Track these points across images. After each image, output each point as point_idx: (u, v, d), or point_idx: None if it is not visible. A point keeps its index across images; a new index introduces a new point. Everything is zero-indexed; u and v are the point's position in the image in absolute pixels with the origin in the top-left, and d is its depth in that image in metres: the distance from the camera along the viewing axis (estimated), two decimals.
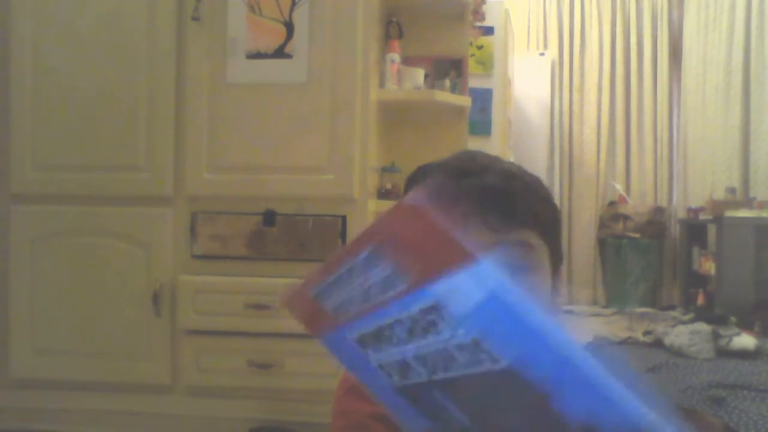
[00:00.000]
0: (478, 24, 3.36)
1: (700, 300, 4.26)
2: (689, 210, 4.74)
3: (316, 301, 0.36)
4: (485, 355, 0.28)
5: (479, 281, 0.28)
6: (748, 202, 4.22)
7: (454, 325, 0.29)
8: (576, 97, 5.32)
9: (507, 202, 0.58)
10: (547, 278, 0.61)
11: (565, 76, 5.32)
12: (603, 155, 5.26)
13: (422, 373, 0.32)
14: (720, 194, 4.41)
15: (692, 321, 3.09)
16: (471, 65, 2.98)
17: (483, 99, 3.46)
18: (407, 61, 2.39)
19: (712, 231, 4.30)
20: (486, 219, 0.57)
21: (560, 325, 0.27)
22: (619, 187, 5.13)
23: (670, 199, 5.21)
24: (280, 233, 2.01)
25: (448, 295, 0.28)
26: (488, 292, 0.27)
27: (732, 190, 4.37)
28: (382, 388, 0.37)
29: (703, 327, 2.79)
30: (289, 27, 2.01)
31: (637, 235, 4.82)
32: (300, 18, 2.01)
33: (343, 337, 0.36)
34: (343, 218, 1.98)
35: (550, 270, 0.62)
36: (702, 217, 4.45)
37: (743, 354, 2.65)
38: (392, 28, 2.38)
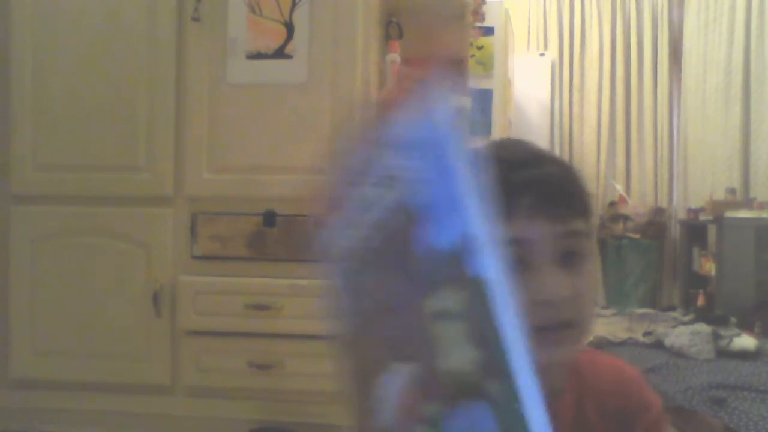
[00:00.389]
0: (478, 24, 3.35)
1: (701, 301, 4.25)
2: (689, 210, 4.74)
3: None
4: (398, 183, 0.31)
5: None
6: (748, 203, 4.22)
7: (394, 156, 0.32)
8: (576, 97, 5.32)
9: (568, 192, 0.61)
10: (593, 262, 0.64)
11: (565, 76, 5.32)
12: (603, 155, 5.26)
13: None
14: (720, 195, 4.41)
15: (692, 322, 3.09)
16: (471, 66, 2.98)
17: (483, 99, 3.46)
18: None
19: (712, 231, 4.30)
20: (547, 210, 0.58)
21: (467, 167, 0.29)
22: (619, 187, 5.13)
23: (670, 200, 5.21)
24: (281, 234, 2.00)
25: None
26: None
27: (732, 191, 4.37)
28: None
29: (704, 328, 2.79)
30: (290, 27, 2.01)
31: (638, 236, 4.82)
32: (300, 18, 2.01)
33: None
34: None
35: None
36: (702, 217, 4.45)
37: (743, 355, 2.65)
38: (392, 29, 2.38)
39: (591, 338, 3.12)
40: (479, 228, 0.28)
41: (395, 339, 0.32)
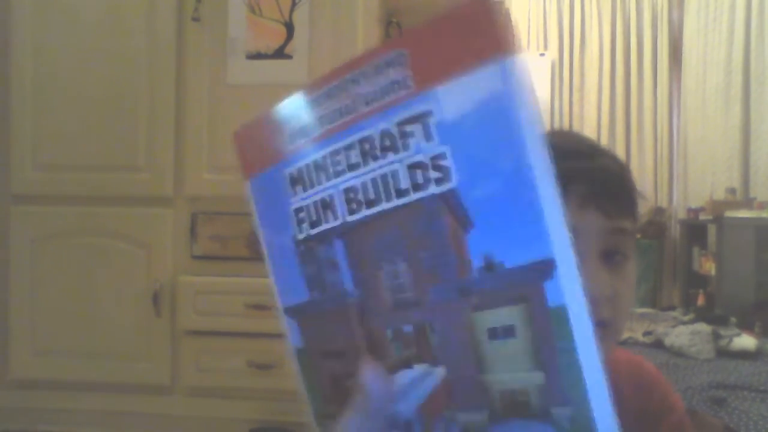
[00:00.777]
0: None
1: (701, 300, 4.25)
2: (689, 210, 4.74)
3: (281, 126, 0.36)
4: (436, 174, 0.28)
5: (496, 74, 0.25)
6: (748, 203, 4.22)
7: (430, 134, 0.28)
8: (576, 97, 5.32)
9: (623, 188, 0.60)
10: (635, 264, 0.62)
11: (565, 76, 5.32)
12: None
13: (341, 213, 0.32)
14: (720, 194, 4.41)
15: (692, 321, 3.09)
16: None
17: None
18: None
19: (712, 231, 4.30)
20: (601, 203, 0.56)
21: (545, 153, 0.25)
22: None
23: (670, 200, 5.21)
24: None
25: (450, 96, 0.27)
26: (500, 88, 0.25)
27: (732, 191, 4.37)
28: (281, 246, 0.37)
29: (704, 327, 2.79)
30: (290, 27, 2.01)
31: (638, 236, 4.81)
32: (300, 18, 2.01)
33: (278, 173, 0.36)
34: None
35: None
36: (702, 217, 4.45)
37: (744, 354, 2.65)
38: (392, 29, 2.38)
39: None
40: (561, 249, 0.25)
41: (424, 341, 0.31)
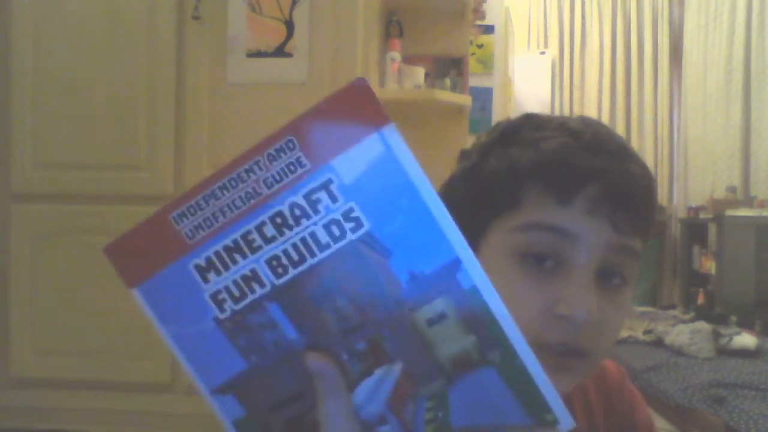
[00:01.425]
0: (479, 22, 3.35)
1: (701, 299, 4.26)
2: (690, 209, 4.74)
3: (173, 225, 0.37)
4: (350, 224, 0.34)
5: (378, 141, 0.34)
6: (748, 201, 4.21)
7: (335, 197, 0.34)
8: (576, 95, 5.31)
9: (642, 202, 0.50)
10: (632, 292, 0.54)
11: (565, 74, 5.32)
12: None
13: (268, 280, 0.36)
14: (720, 193, 4.41)
15: (693, 320, 3.09)
16: (471, 64, 2.98)
17: (483, 98, 3.46)
18: (408, 59, 2.39)
19: (712, 230, 4.30)
20: (613, 214, 0.49)
21: (428, 186, 0.34)
22: None
23: (670, 198, 5.21)
24: None
25: (344, 164, 0.34)
26: (383, 150, 0.34)
27: (732, 189, 4.37)
28: (197, 334, 0.38)
29: (704, 326, 2.79)
30: (290, 26, 2.01)
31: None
32: (300, 17, 2.00)
33: (178, 269, 0.38)
34: None
35: None
36: (702, 216, 4.45)
37: (744, 353, 2.65)
38: (392, 27, 2.38)
39: None
40: (461, 248, 0.34)
41: (377, 347, 0.36)
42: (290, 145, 0.36)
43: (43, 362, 2.09)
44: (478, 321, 0.34)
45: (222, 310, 0.38)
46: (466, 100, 2.45)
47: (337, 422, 0.35)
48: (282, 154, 0.36)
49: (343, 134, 0.34)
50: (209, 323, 0.38)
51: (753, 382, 2.26)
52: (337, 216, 0.35)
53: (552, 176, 0.49)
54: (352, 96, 0.34)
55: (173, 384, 2.06)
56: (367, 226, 0.34)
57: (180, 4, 2.05)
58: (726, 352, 2.68)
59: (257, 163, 0.36)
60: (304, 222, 0.35)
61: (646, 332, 3.10)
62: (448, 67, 2.53)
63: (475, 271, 0.34)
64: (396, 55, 2.33)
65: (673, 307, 4.82)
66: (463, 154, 0.58)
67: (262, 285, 0.36)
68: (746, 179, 4.53)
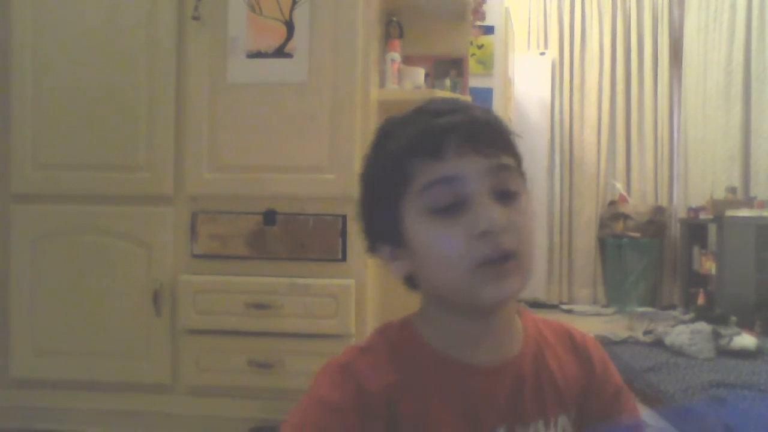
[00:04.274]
0: (479, 23, 3.35)
1: (701, 299, 4.25)
2: (690, 209, 4.74)
3: None
4: None
5: None
6: (748, 202, 4.21)
7: None
8: (576, 96, 5.31)
9: (494, 130, 0.64)
10: (530, 199, 0.66)
11: (565, 75, 5.31)
12: (603, 155, 5.26)
13: None
14: (720, 194, 4.41)
15: (693, 321, 3.08)
16: (471, 64, 2.98)
17: (483, 98, 3.46)
18: (408, 60, 2.39)
19: (712, 230, 4.30)
20: (478, 146, 0.61)
21: None
22: (620, 186, 5.12)
23: (670, 199, 5.21)
24: (281, 233, 2.01)
25: None
26: None
27: (732, 190, 4.37)
28: None
29: (704, 326, 2.79)
30: (290, 26, 2.01)
31: (638, 235, 4.81)
32: (300, 17, 2.01)
33: None
34: (344, 217, 1.98)
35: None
36: (702, 216, 4.44)
37: (744, 354, 2.65)
38: (392, 28, 2.38)
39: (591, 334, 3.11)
40: None
41: None
42: None
43: (43, 363, 2.09)
44: None
45: None
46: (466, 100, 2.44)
47: None
48: None
49: None
50: None
51: (753, 383, 2.26)
52: None
53: (422, 146, 0.62)
54: None
55: (173, 384, 2.06)
56: None
57: (180, 5, 2.05)
58: (726, 353, 2.67)
59: None
60: None
61: (646, 333, 3.10)
62: (448, 68, 2.53)
63: None
64: (396, 55, 2.33)
65: (673, 307, 4.82)
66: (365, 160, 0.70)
67: None
68: (746, 180, 4.53)
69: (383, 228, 0.66)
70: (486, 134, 0.63)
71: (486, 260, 0.59)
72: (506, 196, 0.62)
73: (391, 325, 0.69)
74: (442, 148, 0.61)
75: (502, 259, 0.59)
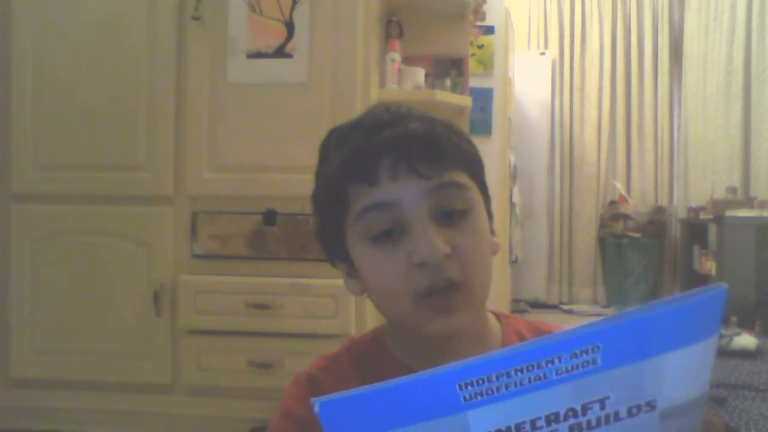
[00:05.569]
0: (479, 23, 3.35)
1: None
2: (690, 209, 4.73)
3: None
4: (647, 408, 0.41)
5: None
6: (748, 202, 4.21)
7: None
8: (576, 96, 5.31)
9: (433, 146, 0.57)
10: (485, 217, 0.60)
11: (565, 75, 5.32)
12: (603, 155, 5.26)
13: None
14: (721, 194, 4.40)
15: None
16: (471, 65, 2.98)
17: (483, 98, 3.46)
18: (408, 60, 2.39)
19: (712, 230, 4.30)
20: (413, 166, 0.55)
21: None
22: (620, 186, 5.12)
23: (670, 199, 5.21)
24: (281, 233, 2.00)
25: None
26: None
27: (733, 190, 4.37)
28: None
29: None
30: (290, 26, 2.01)
31: (638, 235, 4.81)
32: (300, 17, 2.00)
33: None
34: None
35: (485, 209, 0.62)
36: (703, 216, 4.44)
37: (744, 354, 2.65)
38: (393, 28, 2.38)
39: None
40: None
41: None
42: (594, 349, 0.38)
43: (43, 362, 2.09)
44: None
45: None
46: (466, 100, 2.45)
47: None
48: (584, 354, 0.37)
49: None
50: None
51: (753, 383, 2.26)
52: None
53: (354, 170, 0.57)
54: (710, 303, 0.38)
55: (173, 384, 2.06)
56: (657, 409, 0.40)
57: (180, 5, 2.05)
58: (726, 353, 2.67)
59: (559, 357, 0.37)
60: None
61: None
62: (449, 68, 2.53)
63: None
64: (396, 55, 2.33)
65: None
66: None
67: None
68: (746, 180, 4.53)
69: (335, 248, 0.63)
70: (424, 151, 0.56)
71: (429, 291, 0.54)
72: (451, 216, 0.56)
73: (363, 335, 0.67)
74: (376, 171, 0.56)
75: (446, 290, 0.55)
